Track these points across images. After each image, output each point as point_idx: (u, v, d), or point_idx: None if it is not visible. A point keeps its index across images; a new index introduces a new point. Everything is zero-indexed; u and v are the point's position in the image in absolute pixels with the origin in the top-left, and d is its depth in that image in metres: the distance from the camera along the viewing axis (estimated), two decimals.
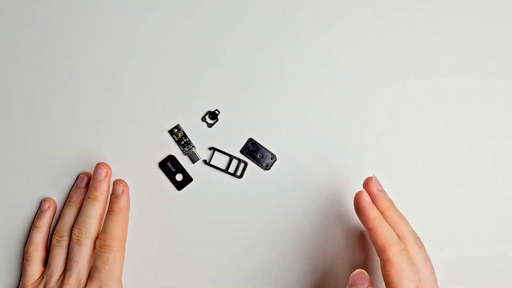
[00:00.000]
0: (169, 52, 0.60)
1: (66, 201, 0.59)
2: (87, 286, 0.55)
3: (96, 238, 0.56)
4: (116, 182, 0.57)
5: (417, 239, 0.53)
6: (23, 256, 0.58)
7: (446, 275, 0.60)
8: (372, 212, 0.52)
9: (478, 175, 0.61)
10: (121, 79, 0.60)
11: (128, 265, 0.59)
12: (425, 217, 0.61)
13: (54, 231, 0.58)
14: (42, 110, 0.60)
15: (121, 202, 0.57)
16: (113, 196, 0.57)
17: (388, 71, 0.61)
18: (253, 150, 0.60)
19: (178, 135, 0.60)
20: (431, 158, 0.61)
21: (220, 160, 0.60)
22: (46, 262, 0.58)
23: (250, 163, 0.60)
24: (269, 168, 0.60)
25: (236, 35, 0.61)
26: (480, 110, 0.61)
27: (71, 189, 0.59)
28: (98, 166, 0.57)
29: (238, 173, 0.60)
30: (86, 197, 0.57)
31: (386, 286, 0.51)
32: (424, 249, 0.53)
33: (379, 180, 0.55)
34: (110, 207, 0.57)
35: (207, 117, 0.60)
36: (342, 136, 0.61)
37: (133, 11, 0.60)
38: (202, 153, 0.60)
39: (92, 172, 0.59)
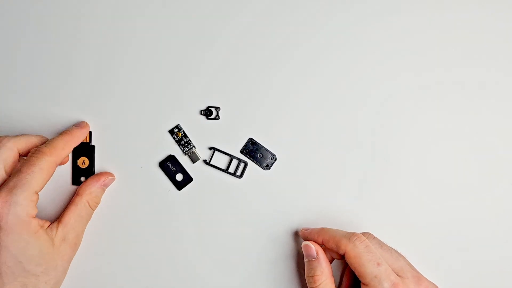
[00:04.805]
0: (169, 51, 0.60)
1: (64, 201, 0.59)
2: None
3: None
4: (82, 122, 0.58)
5: (361, 236, 0.54)
6: None
7: (446, 278, 0.61)
8: (313, 236, 0.57)
9: (478, 175, 0.61)
10: (121, 79, 0.60)
11: (128, 265, 0.59)
12: (424, 217, 0.61)
13: None
14: (42, 110, 0.59)
15: (77, 130, 0.57)
16: (74, 126, 0.58)
17: (386, 69, 0.61)
18: (253, 150, 0.60)
19: (178, 135, 0.59)
20: (430, 158, 0.61)
21: (220, 160, 0.60)
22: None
23: (250, 163, 0.60)
24: (269, 168, 0.60)
25: (236, 35, 0.61)
26: (480, 106, 0.62)
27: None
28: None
29: (238, 173, 0.60)
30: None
31: (359, 278, 0.53)
32: (376, 237, 0.56)
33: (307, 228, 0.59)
34: (65, 130, 0.57)
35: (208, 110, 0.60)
36: (342, 135, 0.61)
37: (132, 11, 0.61)
38: (202, 153, 0.60)
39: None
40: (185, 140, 0.60)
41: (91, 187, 0.57)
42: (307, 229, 0.58)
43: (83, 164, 0.59)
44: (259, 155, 0.60)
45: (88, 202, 0.56)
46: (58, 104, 0.59)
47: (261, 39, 0.61)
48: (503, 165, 0.61)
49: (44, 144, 0.53)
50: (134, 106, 0.60)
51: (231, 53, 0.61)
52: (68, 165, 0.59)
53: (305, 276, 0.56)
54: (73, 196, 0.58)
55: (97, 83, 0.60)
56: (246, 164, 0.60)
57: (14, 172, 0.51)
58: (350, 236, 0.54)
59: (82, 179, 0.59)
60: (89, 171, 0.59)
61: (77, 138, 0.57)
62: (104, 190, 0.58)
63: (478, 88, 0.61)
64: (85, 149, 0.59)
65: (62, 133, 0.56)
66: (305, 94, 0.61)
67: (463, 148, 0.61)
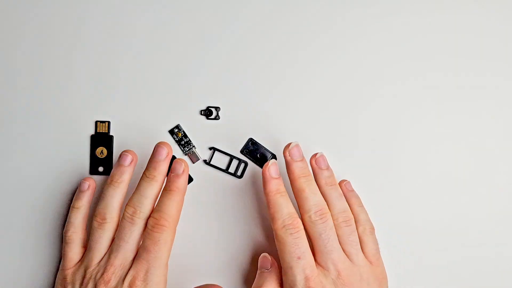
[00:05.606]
0: (170, 52, 0.60)
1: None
2: (132, 267, 0.53)
3: (148, 218, 0.54)
4: (177, 161, 0.55)
5: (317, 212, 0.54)
6: (62, 239, 0.58)
7: (446, 276, 0.60)
8: (270, 186, 0.54)
9: (478, 175, 0.61)
10: (121, 80, 0.60)
11: None
12: (424, 217, 0.60)
13: (95, 213, 0.55)
14: (42, 111, 0.60)
15: (180, 181, 0.54)
16: (173, 175, 0.55)
17: (387, 71, 0.60)
18: (253, 150, 0.60)
19: (178, 135, 0.60)
20: (430, 158, 0.60)
21: (220, 160, 0.60)
22: (85, 243, 0.57)
23: (250, 163, 0.60)
24: None
25: (237, 35, 0.60)
26: (480, 109, 0.61)
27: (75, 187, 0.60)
28: (159, 145, 0.55)
29: (238, 173, 0.60)
30: (144, 176, 0.55)
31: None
32: (325, 221, 0.54)
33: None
34: (168, 186, 0.54)
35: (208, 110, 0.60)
36: (342, 136, 0.60)
37: (132, 11, 0.61)
38: (202, 153, 0.60)
39: (133, 151, 0.57)
40: (185, 140, 0.60)
41: None
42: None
43: (101, 154, 0.61)
44: (259, 155, 0.60)
45: None
46: (58, 104, 0.60)
47: (262, 39, 0.60)
48: (506, 167, 0.61)
49: (160, 214, 0.53)
50: (134, 106, 0.60)
51: (231, 53, 0.60)
52: (86, 155, 0.60)
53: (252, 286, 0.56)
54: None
55: (96, 84, 0.60)
56: (246, 164, 0.60)
57: (141, 251, 0.53)
58: (285, 224, 0.53)
59: (100, 169, 0.61)
60: (107, 161, 0.60)
61: (184, 193, 0.55)
62: None
63: (479, 91, 0.61)
64: (104, 139, 0.60)
65: (169, 191, 0.54)
66: (306, 94, 0.60)
67: (466, 152, 0.61)
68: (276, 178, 0.55)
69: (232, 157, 0.60)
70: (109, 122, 0.60)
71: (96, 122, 0.60)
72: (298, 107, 0.60)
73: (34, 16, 0.60)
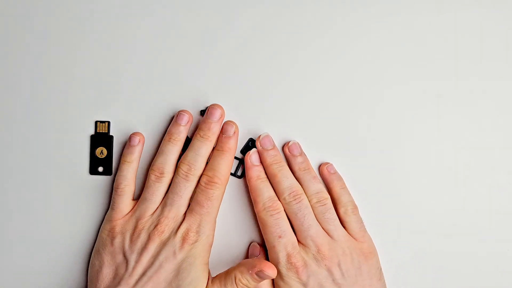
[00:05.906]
0: (169, 52, 0.60)
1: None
2: (185, 219, 0.56)
3: (200, 176, 0.57)
4: (227, 123, 0.58)
5: (291, 194, 0.57)
6: (113, 190, 0.59)
7: (447, 275, 0.61)
8: (251, 172, 0.58)
9: (478, 175, 0.61)
10: (120, 80, 0.60)
11: None
12: (424, 217, 0.61)
13: (153, 167, 0.58)
14: (42, 111, 0.60)
15: (231, 142, 0.58)
16: (224, 136, 0.58)
17: (387, 72, 0.60)
18: None
19: None
20: (430, 158, 0.61)
21: None
22: (134, 196, 0.59)
23: None
24: None
25: (237, 35, 0.60)
26: (480, 111, 0.61)
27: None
28: (213, 107, 0.58)
29: (238, 173, 0.60)
30: (198, 136, 0.58)
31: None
32: (299, 201, 0.57)
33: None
34: (220, 146, 0.58)
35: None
36: (342, 137, 0.60)
37: (132, 11, 0.60)
38: None
39: (189, 111, 0.59)
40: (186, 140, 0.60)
41: (243, 270, 0.55)
42: None
43: (101, 154, 0.61)
44: None
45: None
46: (58, 104, 0.60)
47: (262, 39, 0.60)
48: (506, 166, 0.61)
49: (213, 172, 0.57)
50: (134, 107, 0.60)
51: (231, 53, 0.60)
52: (86, 155, 0.60)
53: None
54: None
55: (96, 84, 0.60)
56: None
57: (193, 206, 0.56)
58: (266, 206, 0.57)
59: (100, 169, 0.61)
60: (107, 161, 0.60)
61: (234, 154, 0.59)
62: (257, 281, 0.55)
63: (479, 91, 0.61)
64: (104, 139, 0.60)
65: (221, 152, 0.58)
66: (306, 94, 0.60)
67: (466, 151, 0.61)
68: (257, 166, 0.59)
69: None
70: (109, 122, 0.60)
71: (96, 122, 0.60)
72: (298, 107, 0.60)
73: (34, 16, 0.60)
